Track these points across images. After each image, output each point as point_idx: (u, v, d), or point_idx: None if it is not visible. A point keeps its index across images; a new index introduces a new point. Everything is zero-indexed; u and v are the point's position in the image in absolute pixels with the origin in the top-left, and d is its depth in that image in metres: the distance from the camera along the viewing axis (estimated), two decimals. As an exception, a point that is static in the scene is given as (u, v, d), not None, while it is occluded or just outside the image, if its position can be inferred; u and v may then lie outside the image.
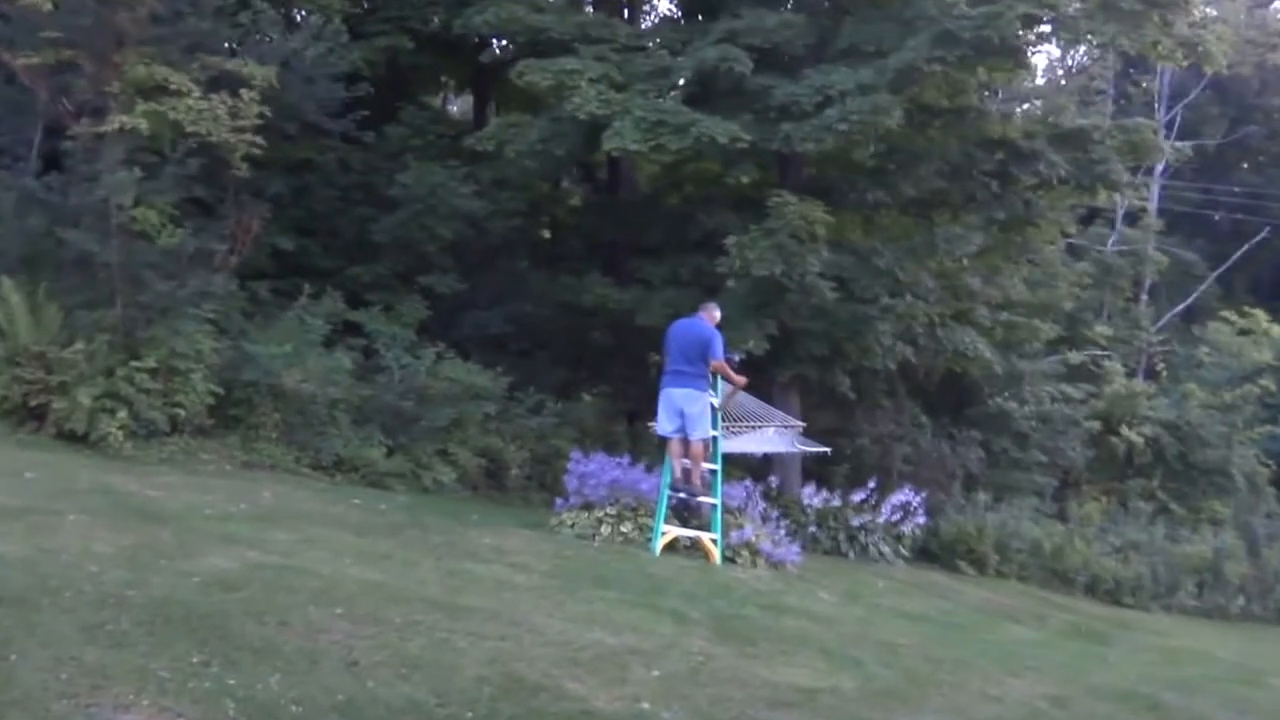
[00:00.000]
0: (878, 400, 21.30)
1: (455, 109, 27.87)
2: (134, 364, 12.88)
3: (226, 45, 15.12)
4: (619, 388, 20.22)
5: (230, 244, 14.22)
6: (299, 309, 15.72)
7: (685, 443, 12.27)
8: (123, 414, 12.63)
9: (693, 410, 12.11)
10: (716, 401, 12.60)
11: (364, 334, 16.87)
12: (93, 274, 13.37)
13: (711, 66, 15.93)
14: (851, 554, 16.76)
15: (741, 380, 12.83)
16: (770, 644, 8.64)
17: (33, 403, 12.63)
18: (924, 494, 18.02)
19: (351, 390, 15.16)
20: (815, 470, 18.91)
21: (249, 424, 14.18)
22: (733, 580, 11.26)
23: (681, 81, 16.30)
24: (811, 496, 16.99)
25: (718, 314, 12.79)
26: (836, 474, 19.71)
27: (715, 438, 12.61)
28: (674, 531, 12.15)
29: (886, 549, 17.05)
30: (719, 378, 12.51)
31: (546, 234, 22.97)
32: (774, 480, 17.08)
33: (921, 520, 17.48)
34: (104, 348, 12.90)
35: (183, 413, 13.39)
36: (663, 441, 12.62)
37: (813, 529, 16.78)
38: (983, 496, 20.92)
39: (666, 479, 12.26)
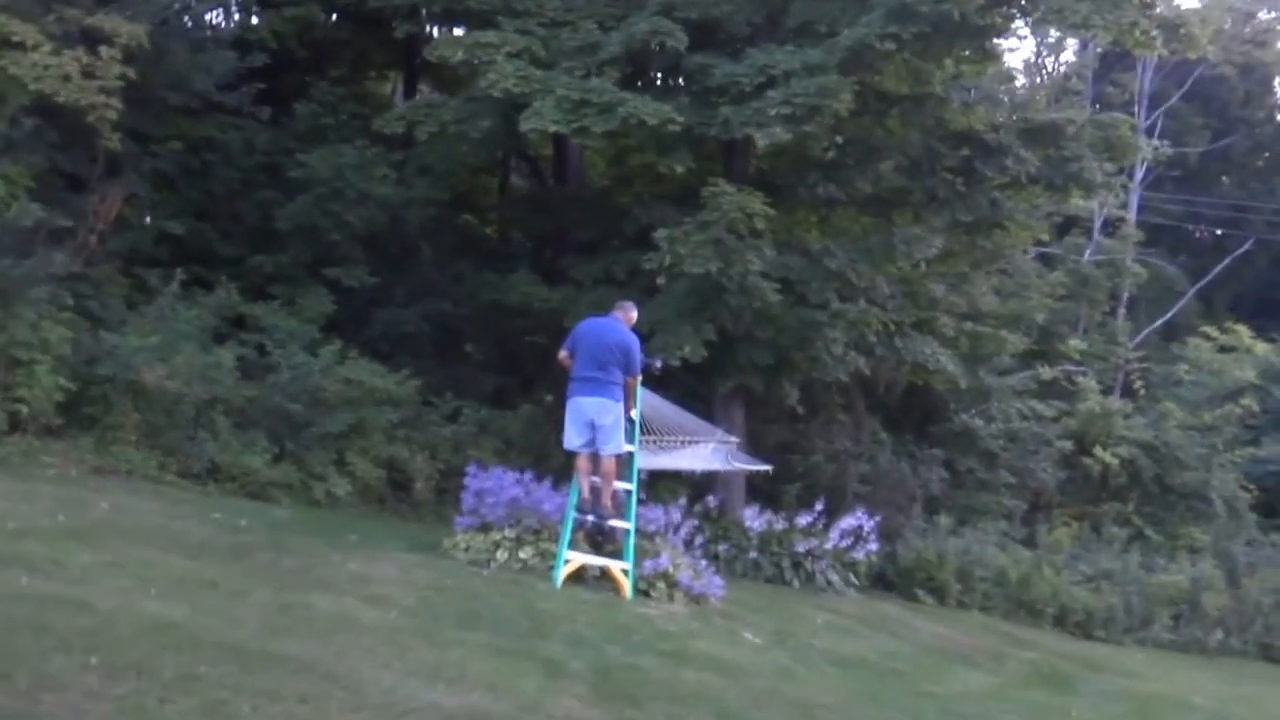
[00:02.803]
0: (833, 414, 19.91)
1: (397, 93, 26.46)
2: (-43, 352, 11.33)
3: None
4: (558, 396, 18.66)
5: (91, 222, 12.57)
6: (170, 297, 14.15)
7: (596, 458, 10.86)
8: (-57, 408, 11.07)
9: (605, 421, 10.70)
10: (634, 413, 11.18)
11: (261, 329, 15.33)
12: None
13: (642, 42, 14.51)
14: (796, 582, 15.47)
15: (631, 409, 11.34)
16: (658, 704, 7.27)
17: None
18: (880, 517, 16.78)
19: (234, 390, 13.66)
20: (764, 489, 17.56)
21: (106, 424, 12.63)
22: (637, 619, 9.81)
23: (608, 58, 14.79)
24: (754, 518, 15.63)
25: (634, 314, 11.42)
26: (787, 494, 18.31)
27: (630, 454, 11.18)
28: (579, 559, 10.72)
29: (835, 577, 15.74)
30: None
31: (470, 226, 21.42)
32: (712, 500, 15.74)
33: (874, 546, 16.13)
34: (-74, 332, 11.35)
35: (24, 409, 11.84)
36: (570, 457, 11.16)
37: (754, 554, 15.45)
38: (945, 520, 19.60)
39: (573, 499, 10.85)
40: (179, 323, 13.86)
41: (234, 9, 16.21)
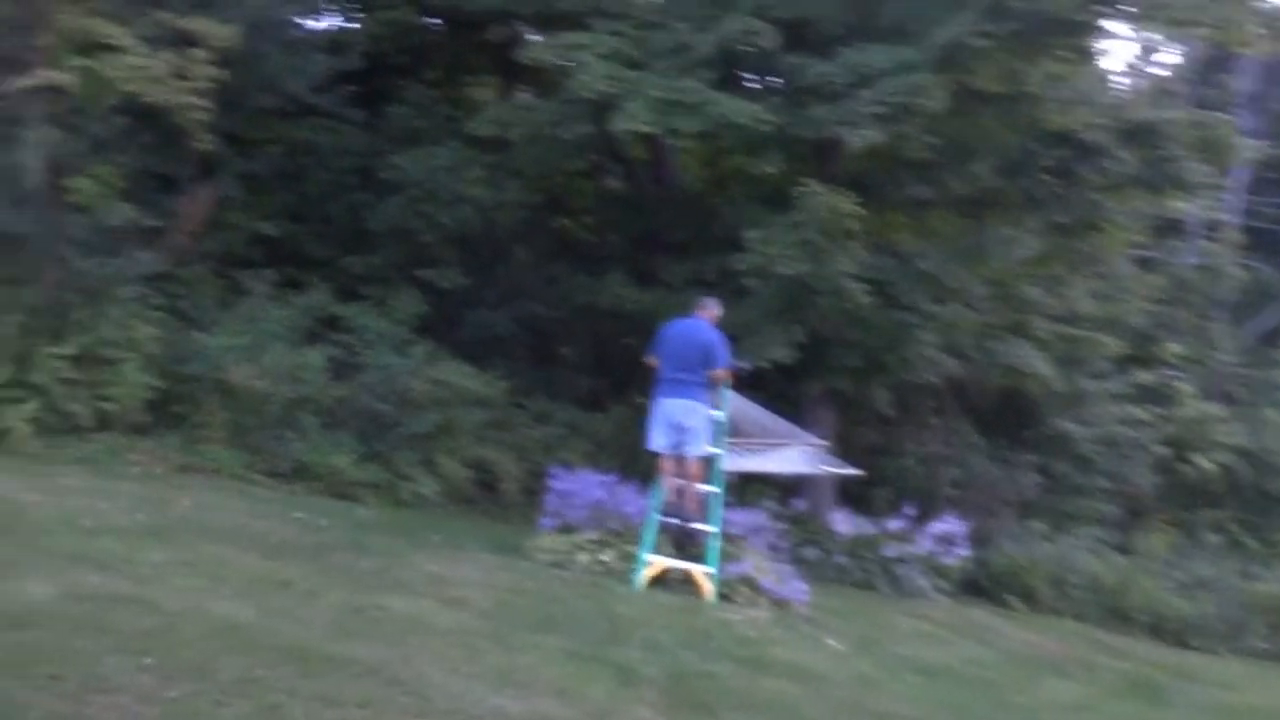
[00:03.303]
0: (925, 418, 19.30)
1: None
2: (49, 350, 11.18)
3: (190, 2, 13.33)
4: (649, 398, 18.28)
5: (181, 223, 12.43)
6: (259, 298, 14.01)
7: (680, 461, 10.50)
8: (32, 405, 10.93)
9: (690, 423, 10.37)
10: (720, 414, 10.79)
11: (351, 330, 15.12)
12: (16, 248, 11.71)
13: (734, 42, 14.07)
14: (885, 588, 14.90)
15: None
16: (732, 713, 6.88)
17: (-76, 390, 10.94)
18: (972, 521, 16.11)
19: (322, 390, 13.43)
20: (854, 493, 17.04)
21: (193, 423, 12.45)
22: (717, 625, 9.36)
23: (700, 58, 14.35)
24: (842, 522, 15.14)
25: (718, 310, 10.99)
26: (877, 497, 17.73)
27: (715, 456, 10.79)
28: (661, 563, 10.32)
29: (925, 582, 15.17)
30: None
31: (564, 229, 21.07)
32: (801, 504, 15.30)
33: (965, 551, 15.52)
34: (14, 330, 11.22)
35: (113, 407, 11.71)
36: (655, 459, 10.79)
37: (842, 559, 14.94)
38: (1038, 525, 18.91)
39: (657, 501, 10.48)
40: (268, 323, 13.67)
41: (327, 12, 15.95)
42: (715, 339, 10.53)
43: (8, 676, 5.03)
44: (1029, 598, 17.11)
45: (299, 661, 5.95)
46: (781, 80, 14.92)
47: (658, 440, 10.49)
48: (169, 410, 12.55)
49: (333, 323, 15.34)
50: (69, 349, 11.46)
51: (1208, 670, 15.31)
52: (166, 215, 12.65)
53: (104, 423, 11.88)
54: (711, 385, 10.51)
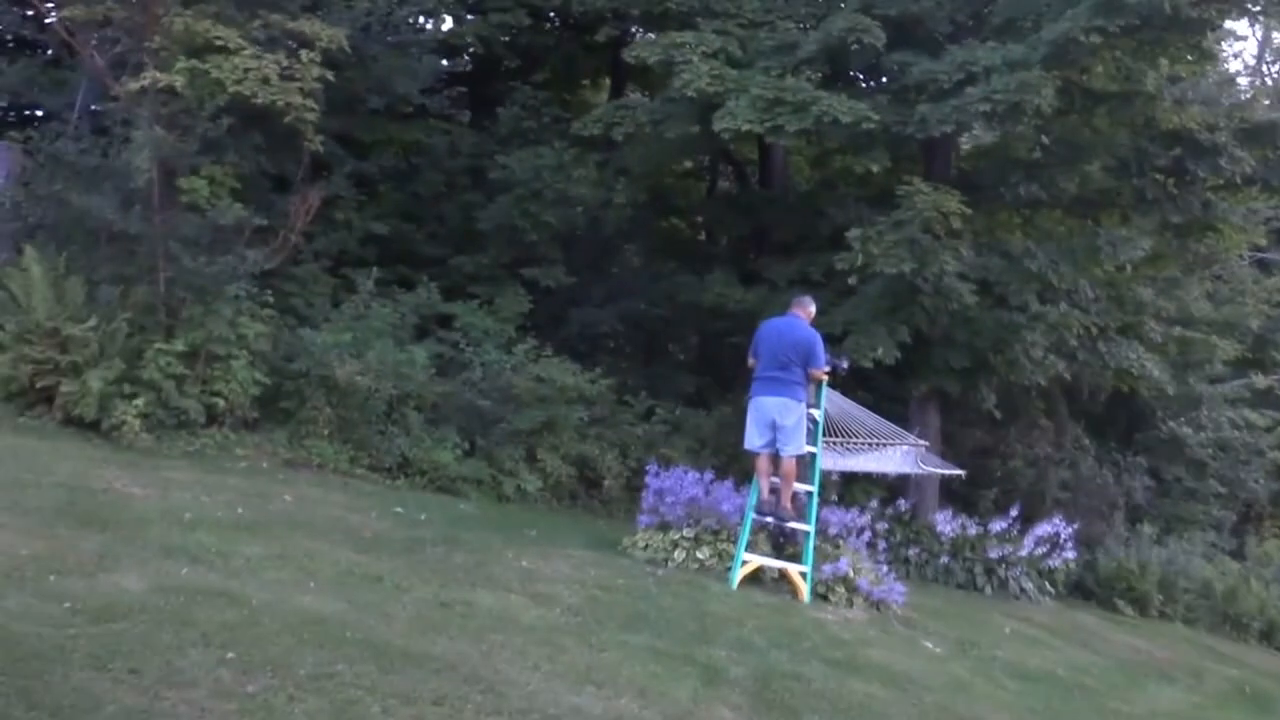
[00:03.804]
0: (1034, 419, 18.80)
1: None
2: (159, 346, 11.28)
3: (301, 4, 13.41)
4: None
5: (290, 222, 12.49)
6: (365, 295, 14.05)
7: (776, 459, 10.24)
8: (141, 401, 10.99)
9: (787, 422, 10.07)
10: (816, 413, 10.52)
11: (459, 328, 15.15)
12: (129, 247, 11.84)
13: (840, 40, 13.77)
14: (988, 589, 14.52)
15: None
16: (818, 717, 6.65)
17: (40, 383, 11.04)
18: (1079, 524, 15.59)
19: (427, 387, 13.41)
20: (960, 494, 16.64)
21: (299, 419, 12.46)
22: (810, 625, 9.11)
23: (805, 57, 14.08)
24: (946, 523, 14.75)
25: (813, 309, 10.72)
26: (984, 499, 17.35)
27: (813, 455, 10.53)
28: (756, 561, 10.10)
29: (1029, 585, 14.75)
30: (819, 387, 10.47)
31: (670, 228, 20.93)
32: (904, 504, 14.95)
33: (1071, 554, 15.04)
34: (124, 326, 11.31)
35: (222, 402, 11.77)
36: (752, 457, 10.54)
37: (945, 559, 14.58)
38: (1148, 529, 18.30)
39: (753, 500, 10.24)
40: (374, 320, 13.71)
41: (440, 14, 15.99)
42: (812, 337, 10.25)
43: (88, 669, 4.97)
44: (1137, 602, 16.58)
45: (379, 657, 5.85)
46: (888, 79, 14.53)
47: (753, 439, 10.25)
48: (277, 406, 12.59)
49: (443, 321, 15.42)
50: (179, 345, 11.51)
51: (1321, 680, 14.71)
52: (277, 215, 12.68)
53: (213, 418, 11.94)
54: (808, 384, 10.23)
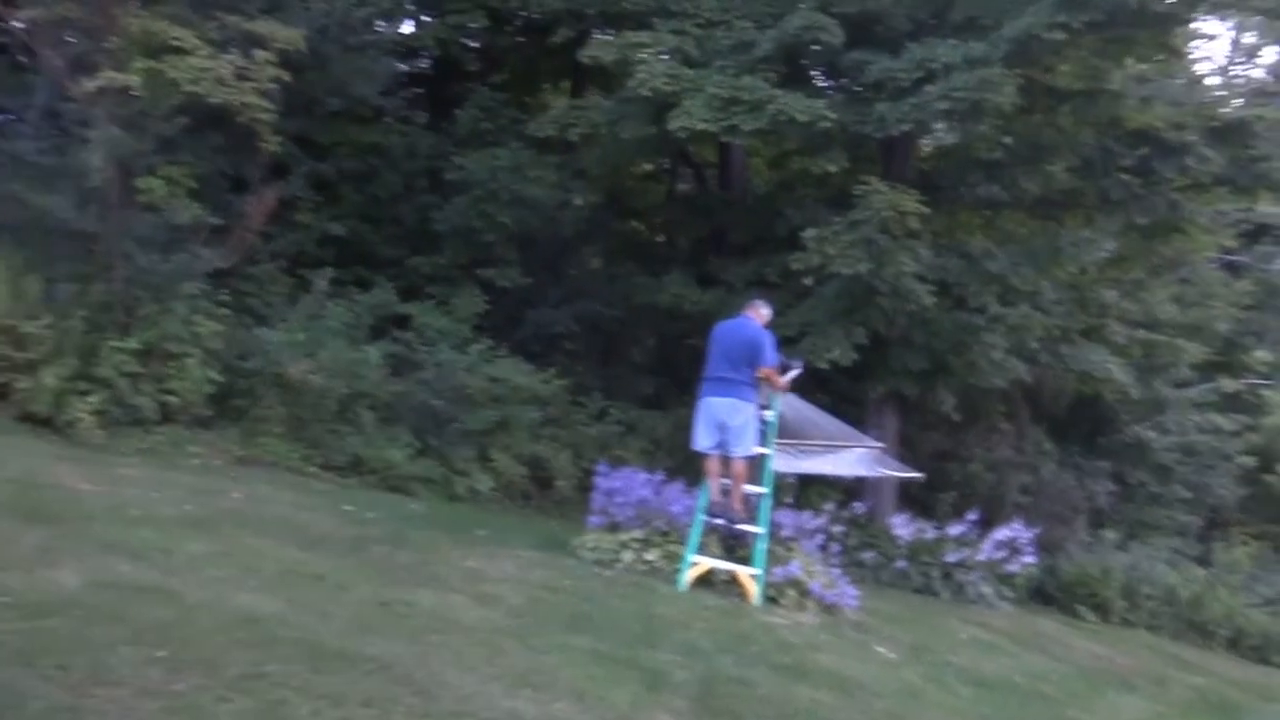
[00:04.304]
0: (994, 423, 18.99)
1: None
2: (114, 344, 11.39)
3: (259, 6, 13.54)
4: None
5: (246, 222, 12.62)
6: (319, 295, 14.17)
7: (727, 461, 10.34)
8: (96, 398, 11.15)
9: (735, 423, 10.15)
10: (770, 414, 10.64)
11: (414, 328, 15.28)
12: (87, 245, 11.96)
13: (796, 38, 13.92)
14: (946, 594, 14.68)
15: (783, 383, 10.77)
16: (761, 726, 6.70)
17: (-4, 381, 11.18)
18: (1041, 529, 15.76)
19: (380, 386, 13.55)
20: (919, 497, 16.81)
21: (253, 417, 12.64)
22: (759, 629, 9.18)
23: (762, 56, 14.22)
24: (903, 526, 14.91)
25: (767, 312, 10.79)
26: (942, 502, 17.52)
27: (764, 456, 10.64)
28: (706, 563, 10.18)
29: (988, 590, 14.90)
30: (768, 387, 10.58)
31: (627, 229, 21.07)
32: (860, 506, 15.10)
33: (1031, 559, 15.19)
34: (80, 324, 11.45)
35: (175, 400, 11.91)
36: (703, 459, 10.64)
37: (902, 563, 14.73)
38: (1111, 535, 18.52)
39: (703, 501, 10.33)
40: (328, 320, 13.84)
41: (399, 16, 16.14)
42: (762, 337, 10.33)
43: (15, 665, 5.04)
44: (1100, 608, 16.77)
45: (312, 657, 5.92)
46: (846, 78, 14.70)
47: (702, 440, 10.33)
48: (230, 404, 12.75)
49: (400, 321, 15.55)
50: (134, 343, 11.69)
51: (1287, 689, 14.80)
52: (234, 215, 12.84)
53: (167, 415, 12.10)
54: (758, 384, 10.34)
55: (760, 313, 10.68)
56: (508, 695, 6.09)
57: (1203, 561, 20.35)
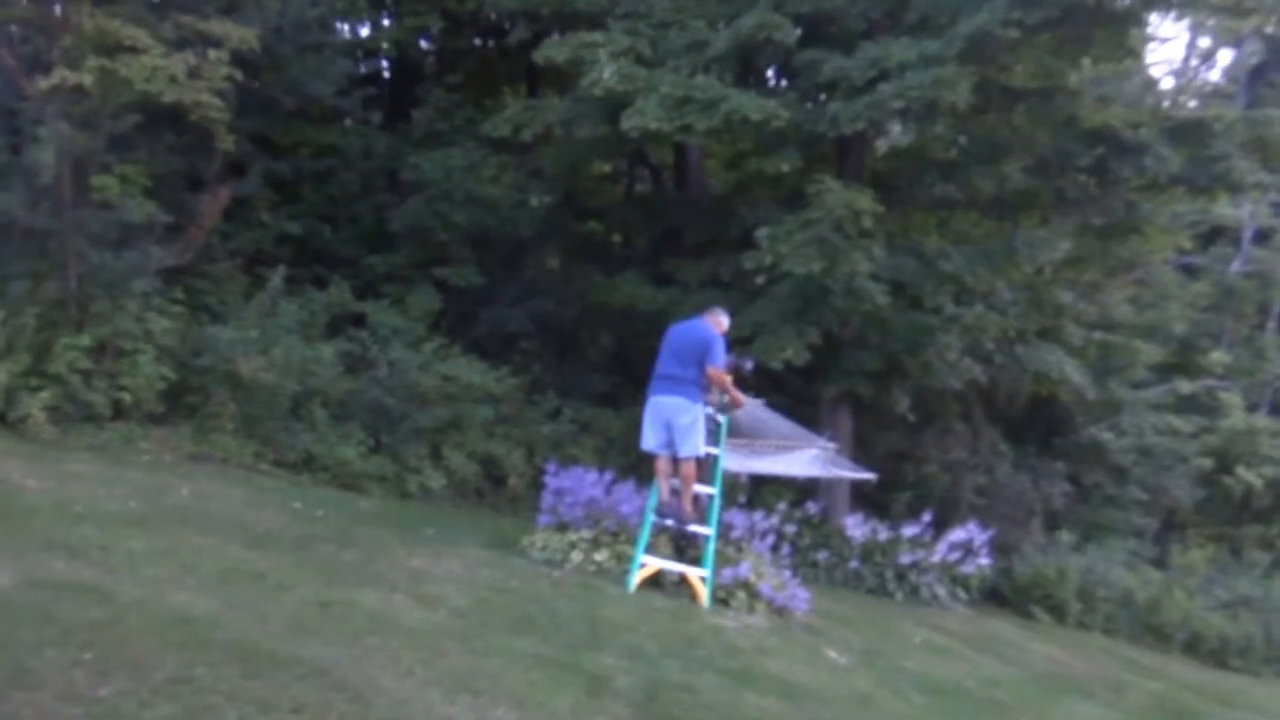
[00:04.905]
0: (950, 423, 19.00)
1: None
2: (66, 341, 11.30)
3: (215, 7, 13.47)
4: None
5: (200, 220, 12.56)
6: (272, 293, 14.08)
7: (675, 461, 10.28)
8: (47, 394, 11.14)
9: (681, 422, 10.06)
10: (716, 413, 10.58)
11: (369, 326, 15.20)
12: (40, 243, 11.87)
13: (750, 37, 13.88)
14: (900, 595, 14.68)
15: (741, 399, 10.71)
16: (708, 732, 6.63)
17: (-53, 378, 11.10)
18: (996, 530, 15.79)
19: (333, 384, 13.45)
20: (873, 498, 16.79)
21: (205, 414, 12.60)
22: (707, 632, 9.10)
23: (716, 55, 14.17)
24: (856, 527, 14.90)
25: (725, 321, 10.66)
26: (897, 503, 17.50)
27: (714, 456, 10.60)
28: (655, 564, 10.12)
29: (942, 591, 14.93)
30: (718, 390, 10.50)
31: (583, 230, 21.01)
32: (813, 507, 15.07)
33: (985, 560, 15.22)
34: (32, 320, 11.42)
35: (127, 397, 11.87)
36: (654, 459, 10.57)
37: (855, 564, 14.72)
38: (1067, 536, 18.53)
39: (653, 502, 10.27)
40: (281, 317, 13.75)
41: (355, 17, 16.09)
42: (711, 337, 10.23)
43: (-69, 667, 4.97)
44: (1055, 610, 16.80)
45: (245, 660, 5.83)
46: (799, 77, 14.67)
47: (648, 439, 10.26)
48: (183, 401, 12.75)
49: (356, 320, 15.46)
50: (86, 340, 11.67)
51: (1248, 694, 14.84)
52: (191, 214, 12.81)
53: (119, 412, 12.11)
54: (706, 385, 10.27)
55: (719, 320, 10.58)
56: (446, 700, 6.03)
57: (1159, 564, 20.44)
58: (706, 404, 10.32)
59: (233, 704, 5.28)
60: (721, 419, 10.67)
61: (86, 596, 6.30)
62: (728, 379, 10.40)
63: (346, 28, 17.82)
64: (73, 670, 5.26)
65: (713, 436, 10.55)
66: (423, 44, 18.46)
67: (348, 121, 17.59)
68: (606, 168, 20.95)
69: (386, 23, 18.43)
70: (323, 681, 5.82)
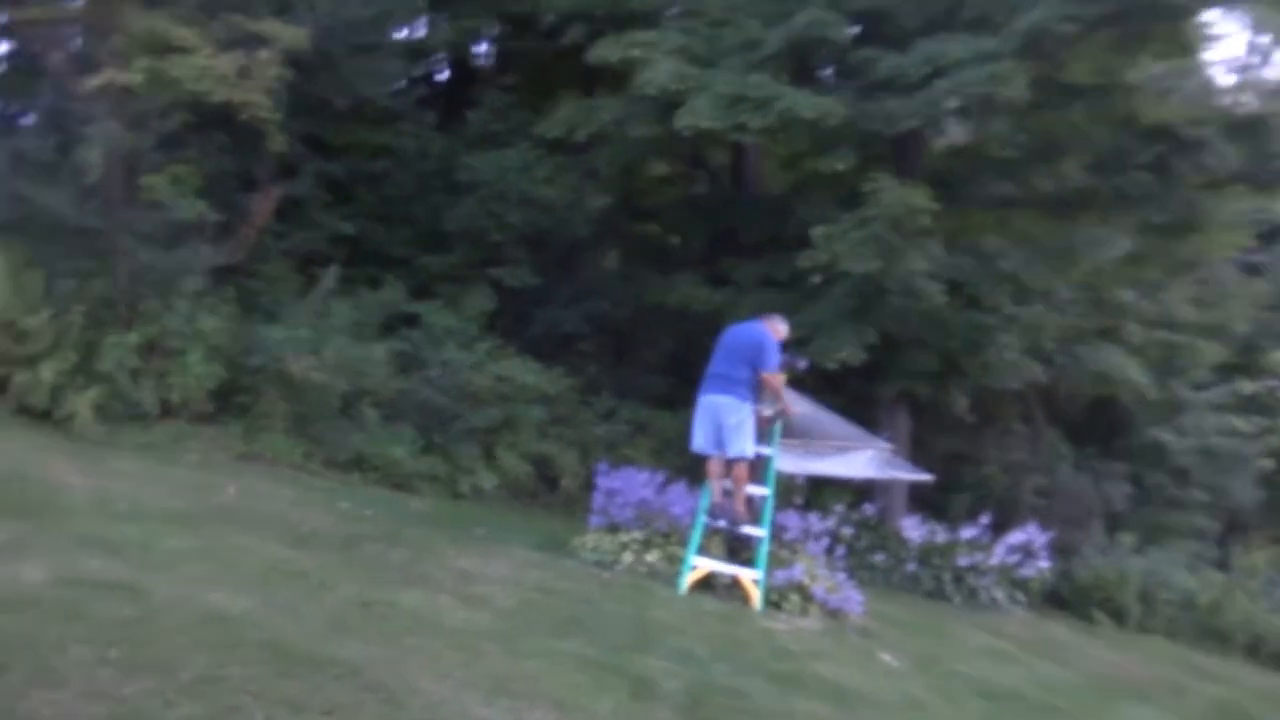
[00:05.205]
0: (1009, 424, 18.53)
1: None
2: (113, 339, 11.15)
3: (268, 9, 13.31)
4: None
5: (250, 220, 12.43)
6: (324, 292, 13.92)
7: (728, 462, 9.96)
8: (94, 392, 10.99)
9: (730, 421, 9.78)
10: (768, 412, 10.25)
11: (423, 326, 15.01)
12: (89, 242, 11.74)
13: (803, 35, 13.53)
14: (958, 598, 14.22)
15: (791, 408, 10.37)
16: (755, 740, 6.31)
17: (-6, 375, 11.00)
18: (1056, 532, 15.30)
19: (384, 384, 13.24)
20: (932, 500, 16.34)
21: (255, 413, 12.41)
22: (758, 635, 8.80)
23: (770, 53, 13.83)
24: (914, 529, 14.50)
25: (784, 329, 10.39)
26: (956, 505, 17.02)
27: (767, 457, 10.27)
28: (706, 566, 9.83)
29: (1001, 594, 14.45)
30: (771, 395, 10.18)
31: (639, 230, 20.73)
32: (870, 508, 14.70)
33: (1045, 563, 14.75)
34: (79, 319, 11.30)
35: (176, 396, 11.74)
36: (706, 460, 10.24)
37: (913, 566, 14.31)
38: (1128, 538, 18.00)
39: (704, 503, 9.98)
40: (333, 317, 13.57)
41: (411, 19, 15.95)
42: (765, 339, 9.95)
43: (-47, 665, 4.75)
44: (1115, 614, 16.25)
45: (277, 660, 5.59)
46: (854, 75, 14.32)
47: (697, 439, 10.00)
48: (233, 400, 12.57)
49: (410, 320, 15.27)
50: (134, 338, 11.51)
51: (1309, 697, 14.29)
52: (242, 213, 12.67)
53: (168, 411, 11.98)
54: (757, 387, 9.94)
55: (777, 327, 10.29)
56: (483, 703, 5.75)
57: (1221, 566, 19.81)
58: (756, 407, 9.99)
59: (261, 704, 5.03)
60: (768, 413, 10.34)
61: (119, 594, 6.09)
62: (780, 384, 10.08)
63: (405, 30, 17.61)
64: (98, 668, 5.04)
65: (765, 437, 10.23)
66: (478, 46, 18.22)
67: (403, 122, 17.36)
68: (664, 169, 20.62)
69: (442, 25, 18.21)
70: (357, 682, 5.57)
